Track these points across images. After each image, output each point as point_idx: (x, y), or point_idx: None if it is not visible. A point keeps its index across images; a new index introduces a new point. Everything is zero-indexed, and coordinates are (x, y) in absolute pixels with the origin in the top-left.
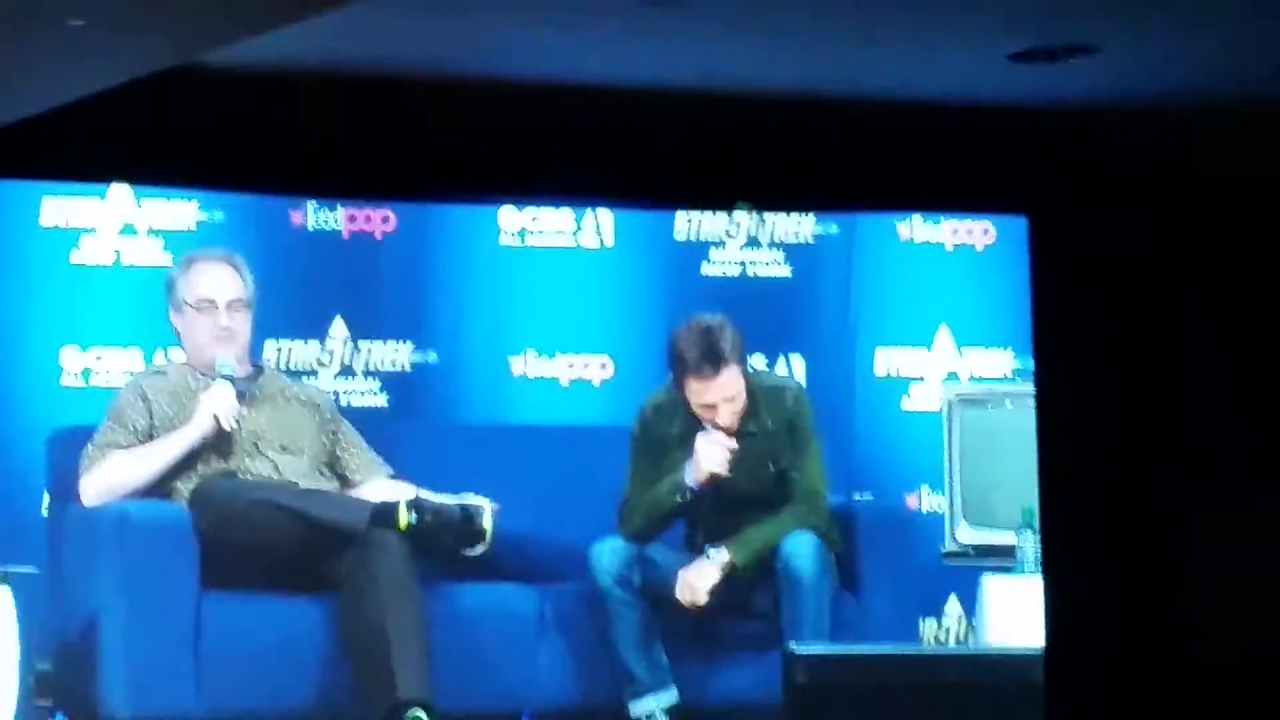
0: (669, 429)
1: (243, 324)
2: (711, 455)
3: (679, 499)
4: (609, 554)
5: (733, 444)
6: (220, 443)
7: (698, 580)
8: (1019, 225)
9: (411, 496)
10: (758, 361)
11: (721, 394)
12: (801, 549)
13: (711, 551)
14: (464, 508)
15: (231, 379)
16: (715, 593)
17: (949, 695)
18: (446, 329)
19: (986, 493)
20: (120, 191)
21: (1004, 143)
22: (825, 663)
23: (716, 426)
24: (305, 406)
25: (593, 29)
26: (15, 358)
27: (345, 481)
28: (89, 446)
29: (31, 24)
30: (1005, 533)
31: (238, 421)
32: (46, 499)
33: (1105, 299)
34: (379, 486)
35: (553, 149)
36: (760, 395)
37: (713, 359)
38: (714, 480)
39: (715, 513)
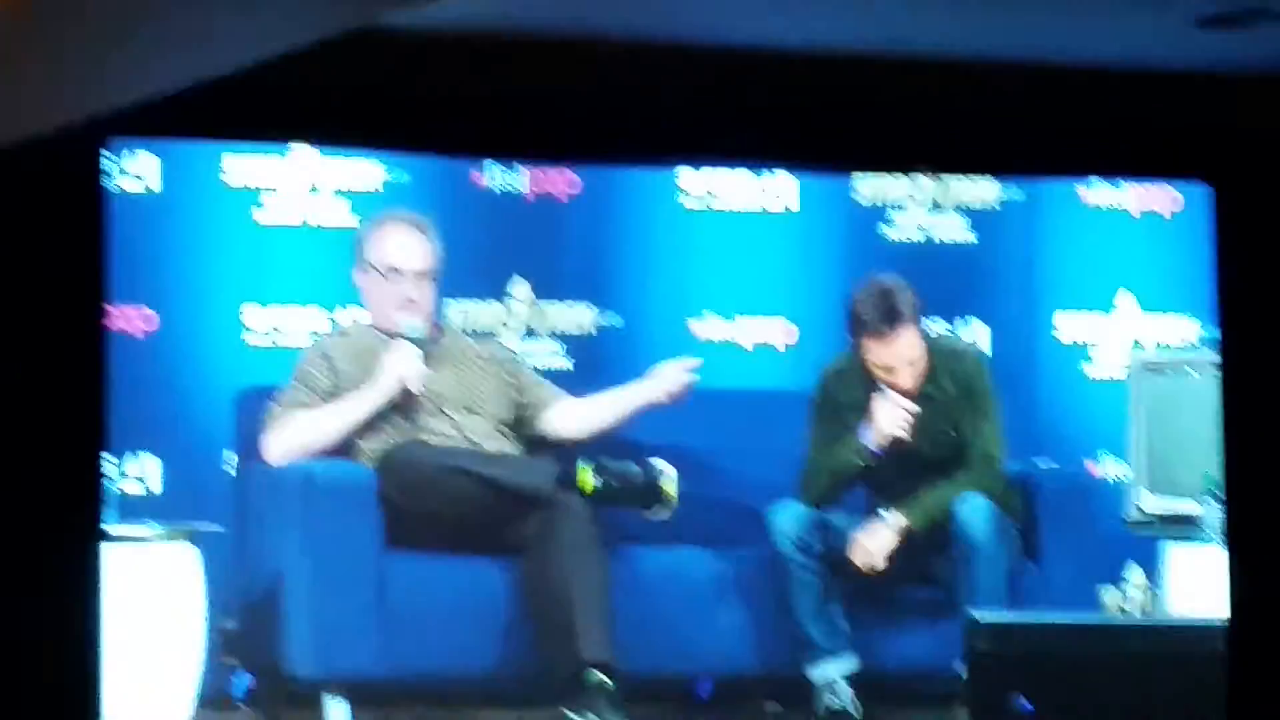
0: (849, 394)
1: (428, 292)
2: (890, 418)
3: (858, 463)
4: (788, 519)
5: (912, 407)
6: (404, 404)
7: (871, 543)
8: (1204, 192)
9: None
10: (940, 326)
11: (899, 355)
12: (976, 514)
13: (885, 514)
14: (647, 471)
15: (416, 340)
16: (891, 556)
17: (1131, 665)
18: (629, 291)
19: (1170, 460)
20: (305, 151)
21: (1189, 109)
22: (1006, 630)
23: (895, 389)
24: (487, 364)
25: None
26: (202, 317)
27: (532, 419)
28: (274, 406)
29: None
30: (1189, 501)
31: (423, 383)
32: (232, 458)
33: None
34: (565, 409)
35: (736, 111)
36: (939, 359)
37: (890, 319)
38: (893, 443)
39: (894, 477)
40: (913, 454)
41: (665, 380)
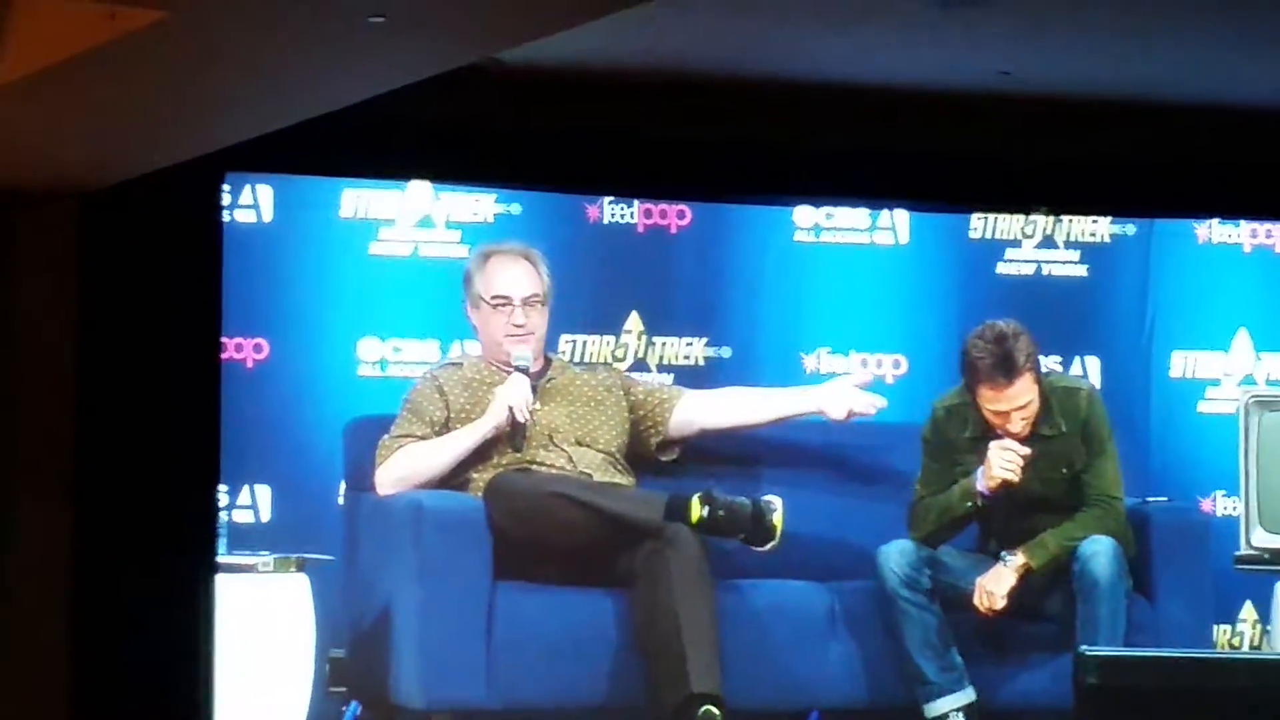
0: (960, 432)
1: (539, 320)
2: (1004, 463)
3: (970, 505)
4: (897, 555)
5: (1025, 451)
6: (515, 435)
7: (995, 587)
8: None
9: (704, 492)
10: (1052, 362)
11: (1014, 403)
12: (1099, 553)
13: (1008, 557)
14: (755, 503)
15: (527, 371)
16: (1012, 597)
17: (1241, 701)
18: (740, 324)
19: None
20: (419, 184)
21: None
22: (1116, 665)
23: (1008, 434)
24: (598, 393)
25: (891, 30)
26: (315, 347)
27: (659, 423)
28: (384, 437)
29: (333, 20)
30: None
31: (532, 414)
32: (343, 488)
33: None
34: (693, 401)
35: (849, 148)
36: (1053, 397)
37: (1006, 369)
38: (1006, 487)
39: (1007, 516)
40: (1025, 493)
41: (833, 401)
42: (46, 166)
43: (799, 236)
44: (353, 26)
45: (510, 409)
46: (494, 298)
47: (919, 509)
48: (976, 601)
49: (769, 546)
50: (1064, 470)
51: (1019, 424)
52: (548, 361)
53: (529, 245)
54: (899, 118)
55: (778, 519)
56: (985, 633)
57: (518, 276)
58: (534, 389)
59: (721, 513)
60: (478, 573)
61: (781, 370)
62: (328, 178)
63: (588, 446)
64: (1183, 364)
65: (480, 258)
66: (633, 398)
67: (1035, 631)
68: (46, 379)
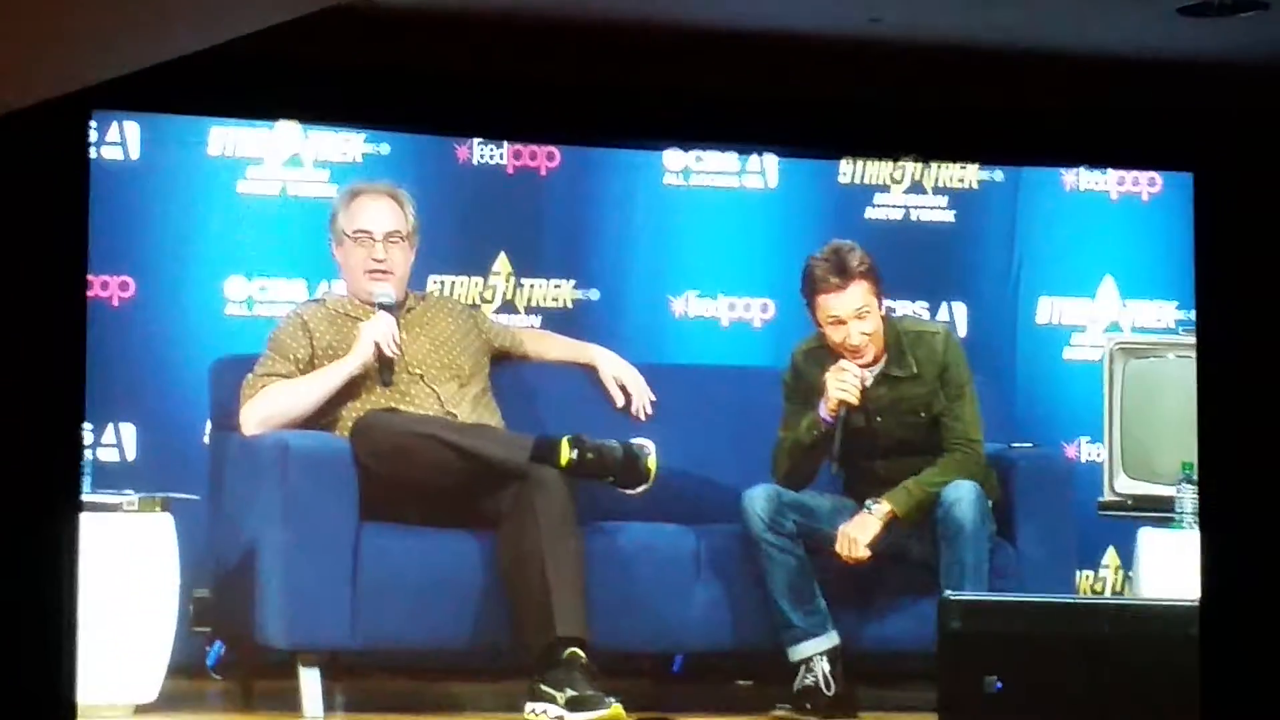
0: (818, 374)
1: (400, 257)
2: (839, 384)
3: (815, 434)
4: (761, 500)
5: (860, 372)
6: (383, 370)
7: (859, 534)
8: (1186, 177)
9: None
10: (919, 307)
11: (849, 307)
12: (962, 498)
13: (873, 505)
14: (627, 446)
15: (391, 308)
16: (875, 545)
17: (1103, 645)
18: (608, 267)
19: (1146, 444)
20: (287, 123)
21: (1171, 97)
22: (980, 610)
23: (848, 352)
24: (458, 321)
25: None
26: (182, 286)
27: (509, 354)
28: (250, 376)
29: None
30: (1164, 485)
31: (400, 350)
32: (208, 427)
33: (1267, 253)
34: (532, 343)
35: (719, 92)
36: (908, 340)
37: (840, 271)
38: (845, 408)
39: (867, 459)
40: (885, 436)
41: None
42: None
43: (668, 180)
44: None
45: (376, 344)
46: (355, 232)
47: (777, 451)
48: (839, 549)
49: (641, 489)
50: (922, 414)
51: (858, 337)
52: (416, 298)
53: (397, 184)
54: (769, 63)
55: (652, 462)
56: (850, 577)
57: (381, 212)
58: (399, 323)
59: (591, 455)
60: (343, 513)
61: (649, 313)
62: (195, 116)
63: (458, 381)
64: (1049, 310)
65: (347, 195)
66: (486, 335)
67: (900, 576)
68: None
